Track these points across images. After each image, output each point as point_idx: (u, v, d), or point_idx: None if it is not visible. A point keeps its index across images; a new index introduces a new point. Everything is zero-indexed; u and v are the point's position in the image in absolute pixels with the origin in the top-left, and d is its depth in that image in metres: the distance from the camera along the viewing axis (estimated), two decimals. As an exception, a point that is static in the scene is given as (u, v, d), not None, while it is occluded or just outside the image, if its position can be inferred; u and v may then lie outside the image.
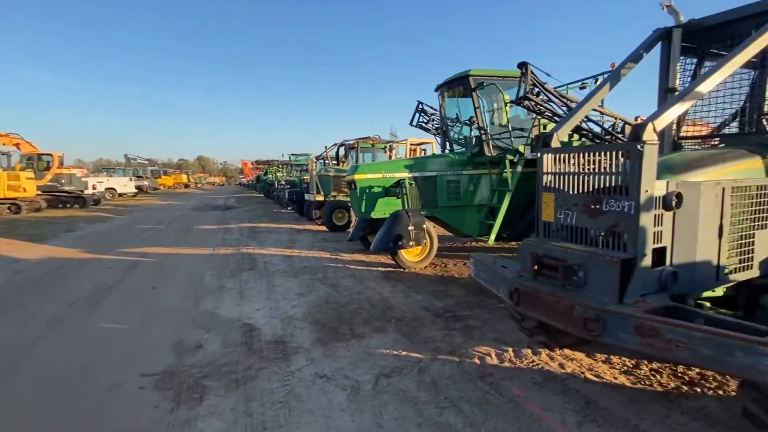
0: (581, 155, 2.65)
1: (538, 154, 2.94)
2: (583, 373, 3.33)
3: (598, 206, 2.52)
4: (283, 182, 21.43)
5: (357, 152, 14.28)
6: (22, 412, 3.00)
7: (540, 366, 3.46)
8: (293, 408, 2.93)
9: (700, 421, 2.66)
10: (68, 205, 20.75)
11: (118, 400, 3.11)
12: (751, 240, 2.71)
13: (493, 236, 6.79)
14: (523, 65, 5.20)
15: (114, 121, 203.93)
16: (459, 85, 7.28)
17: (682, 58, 3.57)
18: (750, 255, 2.72)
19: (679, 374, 3.25)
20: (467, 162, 7.31)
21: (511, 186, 6.72)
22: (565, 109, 5.33)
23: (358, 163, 13.10)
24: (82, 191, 21.54)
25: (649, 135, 2.29)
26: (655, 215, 2.35)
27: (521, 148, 6.80)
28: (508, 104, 6.87)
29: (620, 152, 2.43)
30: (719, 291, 2.74)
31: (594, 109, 4.27)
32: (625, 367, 3.40)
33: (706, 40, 3.58)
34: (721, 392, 2.99)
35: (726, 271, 2.63)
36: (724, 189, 2.55)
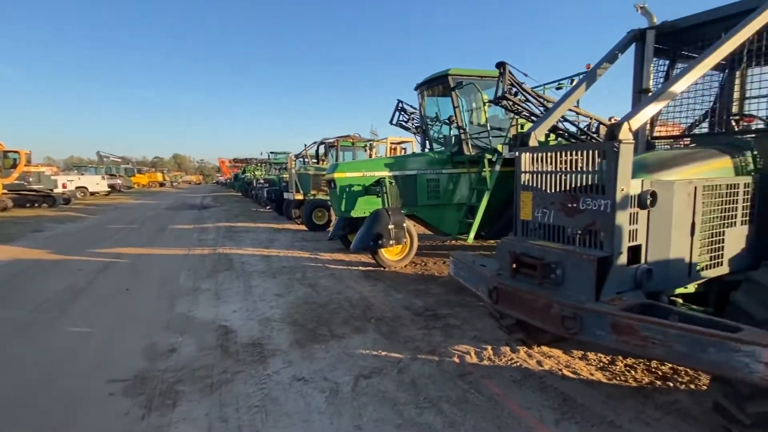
0: (558, 154, 2.66)
1: (516, 153, 2.94)
2: (560, 370, 3.36)
3: (575, 205, 2.53)
4: (262, 181, 21.12)
5: (337, 150, 14.17)
6: (-19, 424, 2.84)
7: (518, 364, 3.49)
8: (270, 412, 2.86)
9: (673, 415, 2.72)
10: (37, 205, 19.93)
11: (86, 408, 2.98)
12: (721, 238, 2.78)
13: (472, 235, 6.82)
14: (501, 65, 5.24)
15: (114, 121, 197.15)
16: (438, 84, 7.30)
17: (655, 59, 3.63)
18: (720, 252, 2.79)
19: (653, 369, 3.32)
20: (447, 161, 7.34)
21: (490, 185, 6.78)
22: (542, 109, 5.39)
23: (338, 161, 13.00)
24: (51, 190, 20.71)
25: (625, 134, 2.30)
26: (630, 213, 2.38)
27: (500, 148, 6.87)
28: (487, 104, 6.91)
29: (597, 151, 2.44)
30: (691, 288, 2.79)
31: (570, 109, 4.33)
32: (601, 364, 3.45)
33: (679, 42, 3.66)
34: (692, 386, 3.06)
35: (698, 268, 2.68)
36: (696, 188, 2.60)
